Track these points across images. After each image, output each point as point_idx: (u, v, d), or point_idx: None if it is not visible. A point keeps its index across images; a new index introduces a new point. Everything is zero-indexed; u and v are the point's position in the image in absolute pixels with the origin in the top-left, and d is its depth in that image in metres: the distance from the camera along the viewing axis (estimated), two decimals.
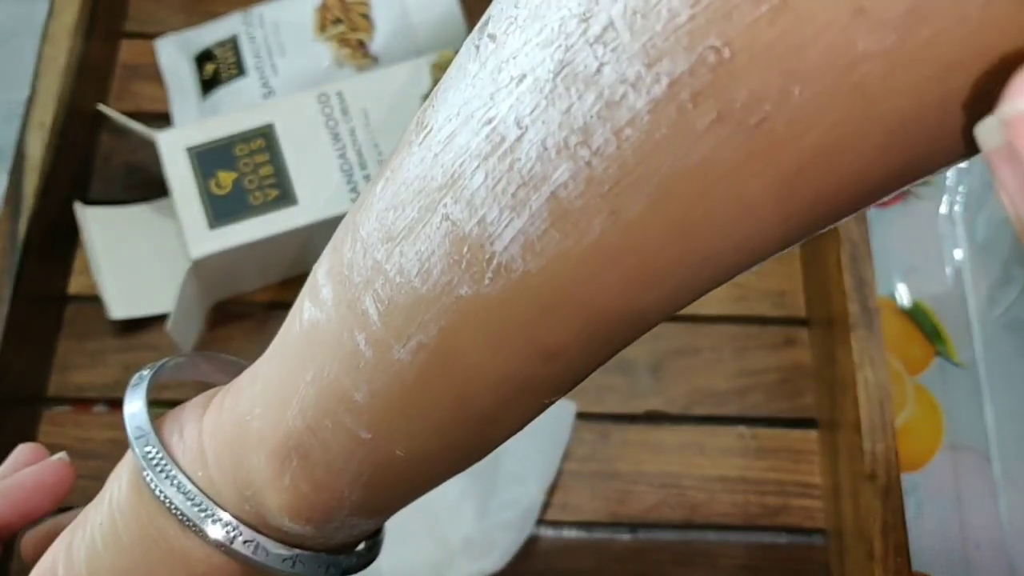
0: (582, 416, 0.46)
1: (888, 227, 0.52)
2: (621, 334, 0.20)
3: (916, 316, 0.50)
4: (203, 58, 0.50)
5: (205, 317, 0.47)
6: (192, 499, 0.24)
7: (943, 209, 0.52)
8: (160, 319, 0.45)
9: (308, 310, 0.23)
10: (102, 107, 0.47)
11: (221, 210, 0.43)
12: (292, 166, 0.44)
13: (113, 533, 0.26)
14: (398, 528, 0.43)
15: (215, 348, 0.47)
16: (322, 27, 0.50)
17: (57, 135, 0.46)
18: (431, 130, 0.20)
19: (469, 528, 0.43)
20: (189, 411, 0.26)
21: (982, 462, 0.47)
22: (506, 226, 0.19)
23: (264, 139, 0.44)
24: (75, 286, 0.48)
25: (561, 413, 0.45)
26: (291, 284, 0.48)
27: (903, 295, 0.50)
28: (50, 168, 0.45)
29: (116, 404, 0.46)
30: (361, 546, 0.27)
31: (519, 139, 0.18)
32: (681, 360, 0.48)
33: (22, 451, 0.32)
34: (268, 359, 0.25)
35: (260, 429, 0.24)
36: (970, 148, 0.17)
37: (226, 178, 0.44)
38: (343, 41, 0.49)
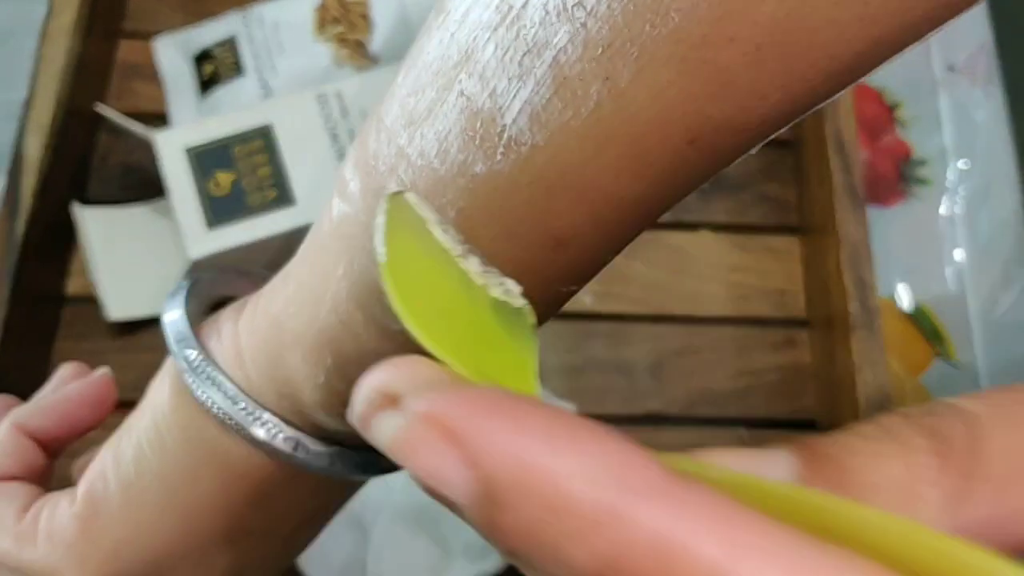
0: None
1: (888, 227, 0.52)
2: (625, 222, 0.21)
3: (916, 316, 0.50)
4: (202, 58, 0.50)
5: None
6: (233, 399, 0.25)
7: (943, 210, 0.52)
8: (158, 320, 0.45)
9: (337, 206, 0.23)
10: (100, 107, 0.47)
11: (219, 211, 0.43)
12: (290, 167, 0.44)
13: (157, 437, 0.26)
14: (399, 529, 0.43)
15: None
16: (321, 27, 0.50)
17: (55, 135, 0.45)
18: (449, 12, 0.21)
19: (469, 530, 0.42)
20: (225, 316, 0.27)
21: None
22: (514, 96, 0.19)
23: (263, 140, 0.44)
24: (73, 287, 0.48)
25: None
26: None
27: (903, 295, 0.50)
28: (48, 168, 0.45)
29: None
30: None
31: (524, 5, 0.19)
32: (681, 361, 0.48)
33: (65, 369, 0.33)
34: (299, 260, 0.25)
35: (295, 328, 0.24)
36: None
37: (224, 178, 0.43)
38: (342, 41, 0.49)
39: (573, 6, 0.18)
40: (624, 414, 0.46)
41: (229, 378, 0.25)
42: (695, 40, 0.17)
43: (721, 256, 0.50)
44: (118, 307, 0.45)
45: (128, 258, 0.46)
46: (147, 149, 0.44)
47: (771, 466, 0.16)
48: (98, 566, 0.27)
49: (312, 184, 0.44)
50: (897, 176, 0.53)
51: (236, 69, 0.49)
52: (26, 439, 0.30)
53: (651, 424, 0.46)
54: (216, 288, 0.30)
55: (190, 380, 0.25)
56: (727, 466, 0.16)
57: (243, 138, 0.44)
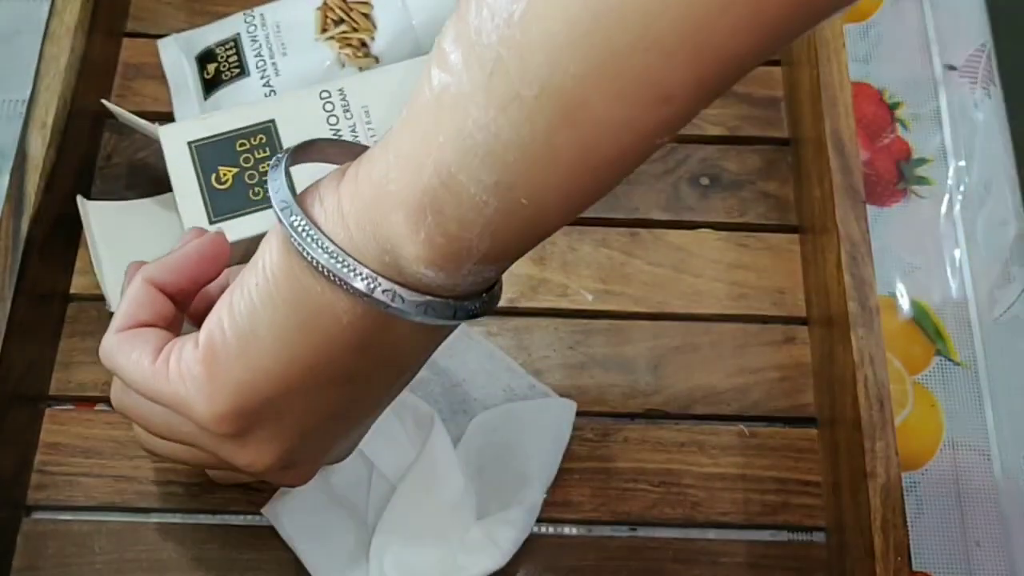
0: (582, 414, 0.46)
1: (888, 227, 0.52)
2: (727, 78, 0.23)
3: (916, 315, 0.50)
4: (205, 58, 0.51)
5: None
6: (336, 258, 0.27)
7: (943, 209, 0.52)
8: None
9: (436, 76, 0.25)
10: (105, 102, 0.47)
11: (222, 205, 0.43)
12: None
13: (268, 293, 0.29)
14: (400, 526, 0.43)
15: None
16: (324, 27, 0.50)
17: (59, 134, 0.46)
18: None
19: (470, 526, 0.43)
20: (326, 183, 0.29)
21: (982, 461, 0.47)
22: None
23: (265, 135, 0.44)
24: (77, 285, 0.48)
25: (562, 412, 0.45)
26: None
27: (903, 294, 0.51)
28: (52, 167, 0.45)
29: None
30: (484, 296, 0.30)
31: None
32: (681, 358, 0.48)
33: (187, 232, 0.37)
34: (399, 130, 0.27)
35: (397, 191, 0.26)
36: None
37: (227, 173, 0.44)
38: (345, 41, 0.50)
39: None
40: (624, 411, 0.47)
41: (331, 239, 0.28)
42: None
43: (721, 254, 0.50)
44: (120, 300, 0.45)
45: (131, 251, 0.46)
46: (152, 148, 0.45)
47: None
48: (223, 400, 0.31)
49: (313, 180, 0.44)
50: (897, 176, 0.53)
51: (239, 69, 0.50)
52: (155, 291, 0.34)
53: (651, 421, 0.47)
54: (308, 156, 0.33)
55: (296, 242, 0.28)
56: None
57: (246, 133, 0.44)
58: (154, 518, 0.44)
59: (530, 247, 0.28)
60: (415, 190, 0.26)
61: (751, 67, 0.23)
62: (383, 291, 0.27)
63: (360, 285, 0.27)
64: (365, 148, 0.30)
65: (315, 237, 0.28)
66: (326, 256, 0.27)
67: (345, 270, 0.27)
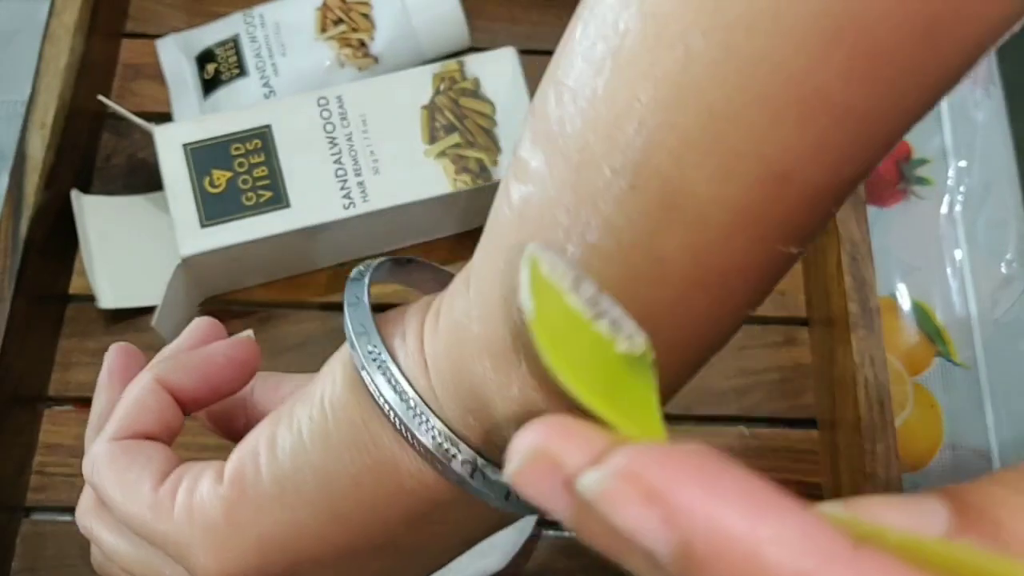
0: None
1: (888, 227, 0.52)
2: (857, 143, 0.19)
3: (916, 316, 0.50)
4: (204, 58, 0.50)
5: (194, 313, 0.47)
6: (411, 406, 0.22)
7: (943, 209, 0.52)
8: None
9: (517, 190, 0.22)
10: (102, 98, 0.47)
11: (214, 208, 0.43)
12: (286, 168, 0.44)
13: (323, 432, 0.24)
14: None
15: None
16: (323, 27, 0.50)
17: (58, 135, 0.46)
18: None
19: None
20: (411, 314, 0.24)
21: (982, 462, 0.47)
22: None
23: (261, 140, 0.44)
24: (76, 285, 0.48)
25: None
26: (292, 284, 0.48)
27: (903, 295, 0.50)
28: (51, 168, 0.45)
29: None
30: None
31: None
32: None
33: (199, 324, 0.31)
34: (480, 259, 0.23)
35: (480, 333, 0.22)
36: None
37: (220, 177, 0.44)
38: (344, 41, 0.50)
39: None
40: None
41: (410, 382, 0.23)
42: None
43: None
44: (110, 297, 0.45)
45: (124, 248, 0.46)
46: (150, 148, 0.45)
47: (926, 517, 0.17)
48: (238, 556, 0.25)
49: (307, 187, 0.44)
50: (897, 176, 0.53)
51: (239, 69, 0.49)
52: (167, 395, 0.28)
53: None
54: (393, 278, 0.28)
55: (368, 377, 0.23)
56: (887, 519, 0.16)
57: (241, 137, 0.44)
58: None
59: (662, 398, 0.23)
60: (501, 329, 0.21)
61: (882, 132, 0.19)
62: (462, 462, 0.22)
63: (432, 445, 0.22)
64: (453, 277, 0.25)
65: (391, 374, 0.23)
66: (399, 401, 0.23)
67: (418, 422, 0.22)
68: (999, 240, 0.52)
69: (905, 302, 0.50)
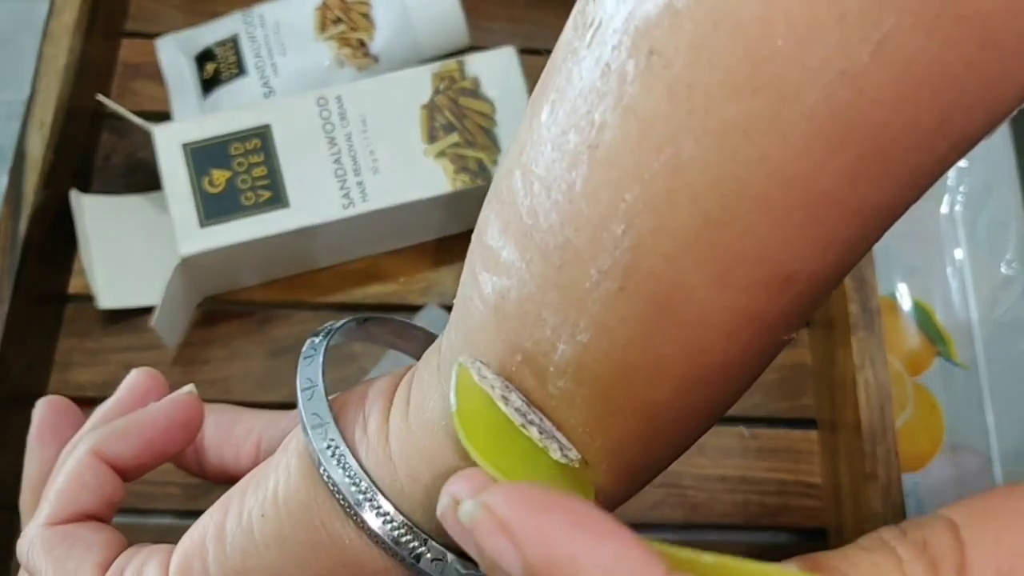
0: None
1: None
2: (861, 241, 0.18)
3: (917, 316, 0.50)
4: (203, 58, 0.50)
5: (193, 313, 0.47)
6: (373, 503, 0.21)
7: (943, 209, 0.52)
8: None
9: (488, 282, 0.20)
10: (101, 97, 0.47)
11: (213, 208, 0.43)
12: (286, 168, 0.44)
13: (276, 533, 0.22)
14: None
15: (215, 348, 0.47)
16: (322, 27, 0.50)
17: (57, 134, 0.46)
18: (599, 24, 0.17)
19: None
20: (373, 399, 0.23)
21: (982, 462, 0.47)
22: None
23: (260, 140, 0.44)
24: (75, 285, 0.48)
25: None
26: (292, 284, 0.48)
27: (903, 295, 0.50)
28: (50, 167, 0.45)
29: None
30: None
31: None
32: None
33: (137, 378, 0.29)
34: (447, 353, 0.21)
35: (455, 433, 0.20)
36: None
37: (220, 176, 0.44)
38: (343, 41, 0.49)
39: None
40: None
41: (374, 482, 0.21)
42: None
43: None
44: (109, 297, 0.45)
45: (123, 248, 0.46)
46: (150, 148, 0.45)
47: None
48: None
49: (306, 187, 0.44)
50: None
51: (238, 69, 0.49)
52: (106, 469, 0.26)
53: None
54: (353, 337, 0.26)
55: (326, 475, 0.21)
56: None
57: (241, 137, 0.44)
58: (153, 519, 0.44)
59: (656, 474, 0.22)
60: None
61: (888, 223, 0.18)
62: (432, 560, 0.21)
63: (404, 552, 0.21)
64: (421, 333, 0.24)
65: (352, 473, 0.21)
66: (365, 502, 0.21)
67: (405, 539, 0.21)
68: (999, 240, 0.52)
69: (905, 302, 0.50)
